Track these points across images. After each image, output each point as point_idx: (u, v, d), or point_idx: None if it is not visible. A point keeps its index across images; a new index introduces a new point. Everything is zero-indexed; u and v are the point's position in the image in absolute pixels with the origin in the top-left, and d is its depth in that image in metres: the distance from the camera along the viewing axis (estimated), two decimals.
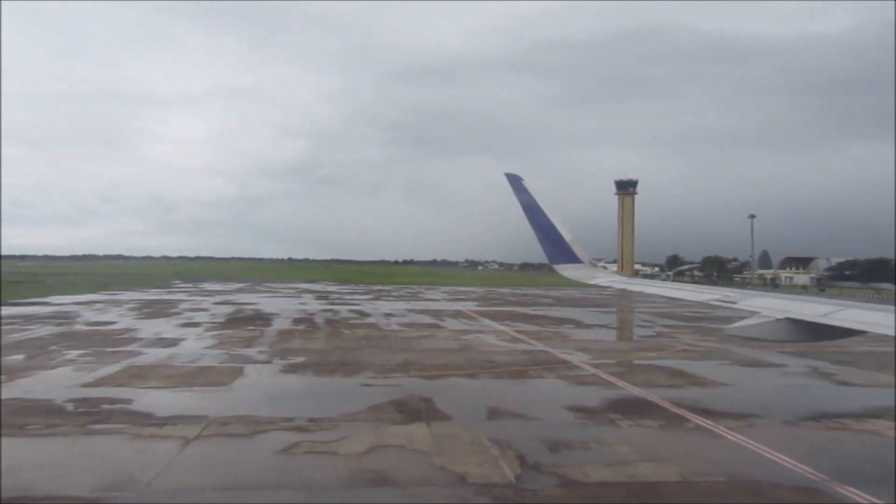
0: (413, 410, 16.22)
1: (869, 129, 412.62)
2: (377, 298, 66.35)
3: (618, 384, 20.34)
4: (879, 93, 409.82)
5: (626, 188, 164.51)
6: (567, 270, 13.53)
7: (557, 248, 13.32)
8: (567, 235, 13.43)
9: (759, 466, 12.25)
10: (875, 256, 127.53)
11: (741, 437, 14.17)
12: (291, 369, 22.21)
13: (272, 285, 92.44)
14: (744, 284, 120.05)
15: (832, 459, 12.86)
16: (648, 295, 14.48)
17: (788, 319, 7.77)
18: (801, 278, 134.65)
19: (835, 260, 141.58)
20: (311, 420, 14.93)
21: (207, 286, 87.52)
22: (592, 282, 13.03)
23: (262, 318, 41.01)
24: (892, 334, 6.50)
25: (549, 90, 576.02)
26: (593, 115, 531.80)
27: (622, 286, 13.25)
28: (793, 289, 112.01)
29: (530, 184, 13.97)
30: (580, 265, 13.46)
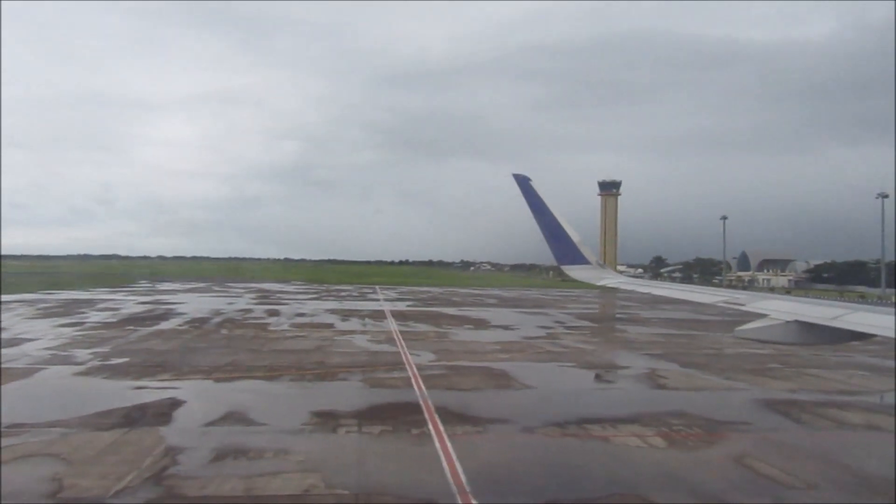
0: (141, 416, 15.48)
1: (851, 132, 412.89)
2: (319, 298, 65.70)
3: (414, 387, 19.55)
4: (861, 97, 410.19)
5: (608, 189, 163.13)
6: (575, 271, 13.27)
7: (565, 249, 13.11)
8: (575, 237, 13.23)
9: (408, 478, 11.45)
10: (852, 259, 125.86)
11: (448, 445, 13.38)
12: (90, 371, 21.50)
13: (235, 285, 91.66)
14: (719, 286, 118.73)
15: (505, 470, 12.07)
16: (657, 297, 14.31)
17: (797, 322, 7.34)
18: (779, 280, 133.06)
19: (813, 262, 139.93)
20: (11, 426, 14.20)
21: (165, 286, 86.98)
22: (600, 283, 12.86)
23: (160, 318, 40.34)
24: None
25: (536, 94, 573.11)
26: (580, 120, 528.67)
27: (630, 287, 12.95)
28: (762, 290, 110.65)
29: (537, 185, 13.76)
30: (588, 266, 13.19)
